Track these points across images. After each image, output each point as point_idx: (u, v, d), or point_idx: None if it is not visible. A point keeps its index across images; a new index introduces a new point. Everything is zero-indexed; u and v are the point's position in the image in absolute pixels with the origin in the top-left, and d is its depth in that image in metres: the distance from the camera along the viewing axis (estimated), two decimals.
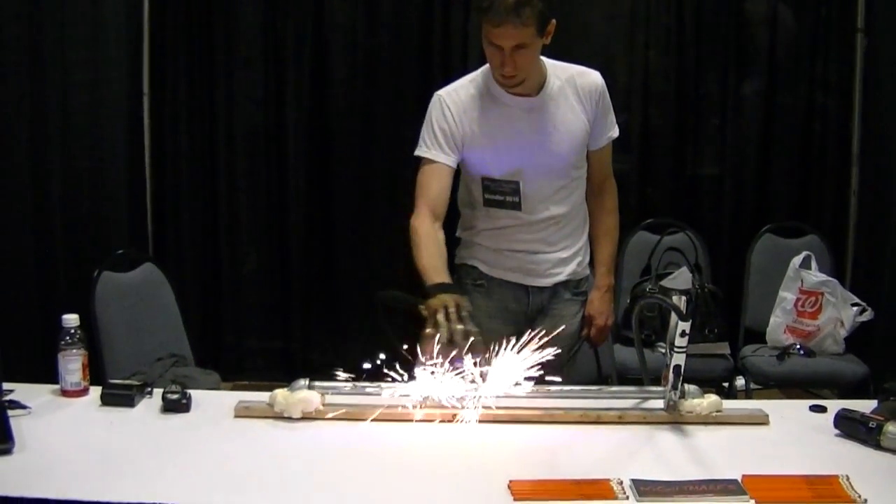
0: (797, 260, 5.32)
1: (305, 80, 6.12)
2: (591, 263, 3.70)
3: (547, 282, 3.55)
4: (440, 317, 2.87)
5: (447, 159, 3.35)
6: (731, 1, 6.04)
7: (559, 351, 2.97)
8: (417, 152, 3.40)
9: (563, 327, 3.50)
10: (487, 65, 3.39)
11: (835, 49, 6.00)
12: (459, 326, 2.85)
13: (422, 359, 2.80)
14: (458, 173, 3.48)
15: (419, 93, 5.75)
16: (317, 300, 6.30)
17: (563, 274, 3.56)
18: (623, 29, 6.10)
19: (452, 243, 3.62)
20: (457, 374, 2.79)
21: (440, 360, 2.78)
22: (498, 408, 2.86)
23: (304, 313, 6.31)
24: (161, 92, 6.01)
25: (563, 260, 3.55)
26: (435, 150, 3.35)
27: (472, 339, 2.83)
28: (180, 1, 5.98)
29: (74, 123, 5.14)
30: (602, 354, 3.77)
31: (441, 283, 3.06)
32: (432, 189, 3.34)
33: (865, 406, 2.85)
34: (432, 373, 2.78)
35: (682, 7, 6.01)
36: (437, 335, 2.81)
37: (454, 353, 2.79)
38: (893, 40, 5.52)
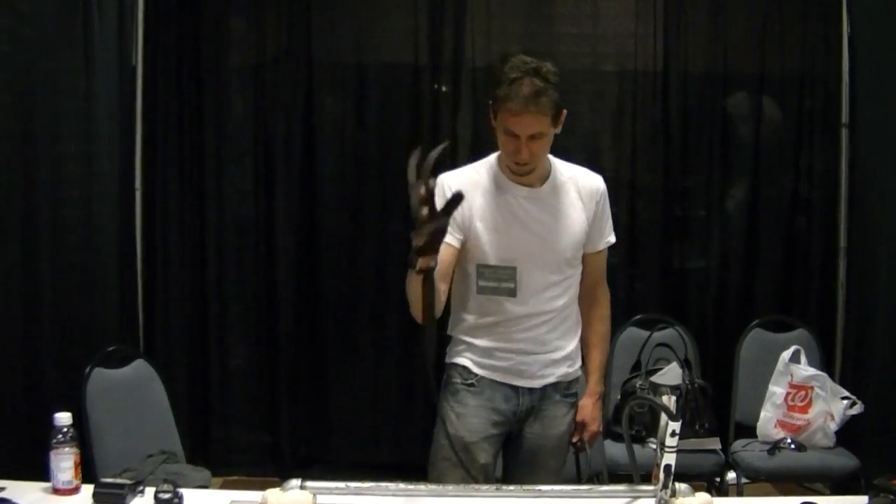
0: (786, 354, 5.34)
1: (294, 174, 6.16)
2: (583, 367, 3.69)
3: (537, 383, 3.53)
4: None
5: (451, 239, 3.31)
6: (716, 94, 6.11)
7: None
8: None
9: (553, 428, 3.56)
10: (493, 155, 3.46)
11: (819, 143, 6.06)
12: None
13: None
14: None
15: (407, 188, 5.81)
16: (305, 393, 6.28)
17: (554, 376, 3.55)
18: (610, 122, 6.18)
19: (443, 342, 3.64)
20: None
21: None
22: None
23: (292, 406, 6.27)
24: (152, 186, 6.04)
25: (555, 362, 3.53)
26: None
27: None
28: (171, 96, 6.03)
29: (65, 218, 5.13)
30: (583, 459, 3.76)
31: None
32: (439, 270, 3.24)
33: (856, 503, 2.84)
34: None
35: (668, 100, 6.08)
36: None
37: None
38: (877, 134, 5.57)
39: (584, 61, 6.11)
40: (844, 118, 5.96)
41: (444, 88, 6.13)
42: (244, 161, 6.18)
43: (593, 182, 3.54)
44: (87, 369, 4.21)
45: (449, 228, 3.28)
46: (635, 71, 6.11)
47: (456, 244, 3.37)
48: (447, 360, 3.62)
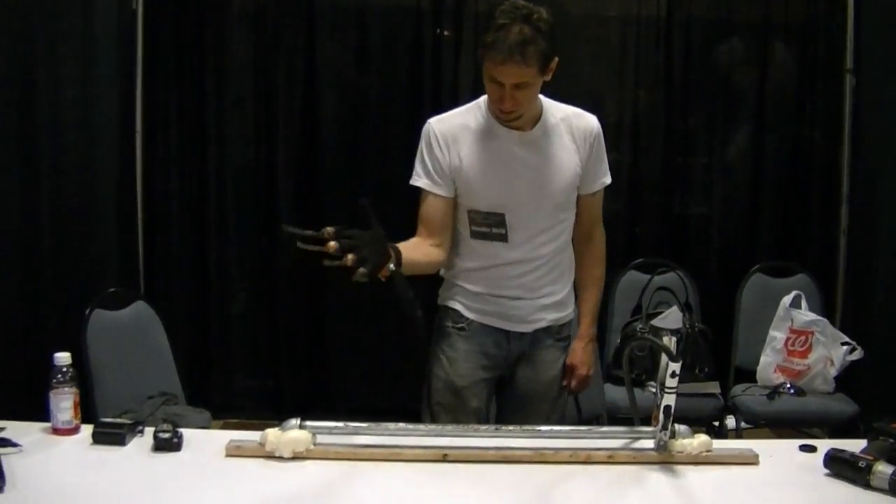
0: (787, 299, 5.35)
1: (296, 119, 6.15)
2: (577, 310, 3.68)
3: (528, 328, 3.51)
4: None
5: (440, 189, 3.34)
6: (720, 40, 6.08)
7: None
8: (412, 181, 3.40)
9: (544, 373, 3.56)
10: (482, 97, 3.38)
11: (823, 89, 6.04)
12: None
13: None
14: None
15: (409, 132, 5.76)
16: (305, 338, 6.29)
17: (545, 321, 3.52)
18: (612, 68, 6.15)
19: (436, 283, 3.63)
20: None
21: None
22: (488, 448, 2.87)
23: (292, 352, 6.30)
24: (153, 130, 6.02)
25: (545, 307, 3.51)
26: (426, 179, 3.35)
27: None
28: (172, 39, 6.01)
29: (66, 161, 5.12)
30: (582, 399, 3.75)
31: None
32: (429, 221, 3.37)
33: (855, 445, 2.84)
34: None
35: (671, 46, 6.06)
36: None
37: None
38: (882, 80, 5.55)
39: (586, 6, 6.06)
40: (849, 64, 5.92)
41: (445, 32, 6.10)
42: (245, 105, 6.16)
43: (587, 123, 3.45)
44: (87, 310, 4.21)
45: (433, 176, 3.36)
46: (638, 16, 6.08)
47: (445, 193, 3.36)
48: (439, 302, 3.61)
